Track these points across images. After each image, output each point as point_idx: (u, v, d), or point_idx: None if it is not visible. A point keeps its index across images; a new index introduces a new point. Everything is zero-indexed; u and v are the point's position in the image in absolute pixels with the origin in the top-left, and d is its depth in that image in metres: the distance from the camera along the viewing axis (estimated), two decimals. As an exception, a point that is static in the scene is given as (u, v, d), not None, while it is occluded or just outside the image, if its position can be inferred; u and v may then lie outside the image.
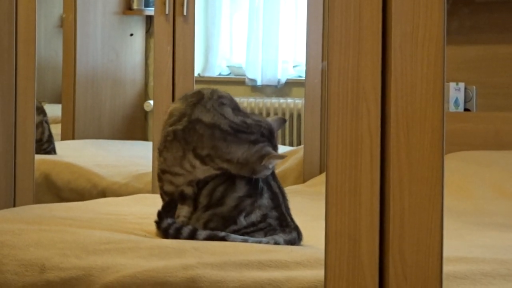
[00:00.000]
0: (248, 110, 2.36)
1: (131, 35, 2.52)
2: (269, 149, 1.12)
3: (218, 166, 1.12)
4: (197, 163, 1.13)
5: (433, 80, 0.63)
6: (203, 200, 1.13)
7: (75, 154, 2.21)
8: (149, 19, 2.46)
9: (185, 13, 1.83)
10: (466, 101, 2.08)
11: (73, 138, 2.35)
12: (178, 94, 1.79)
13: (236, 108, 1.17)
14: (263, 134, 1.14)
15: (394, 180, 0.60)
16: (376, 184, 0.60)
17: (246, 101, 2.45)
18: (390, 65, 0.61)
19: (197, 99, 1.17)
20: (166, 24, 1.82)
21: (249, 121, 1.14)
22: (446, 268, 0.80)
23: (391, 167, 0.60)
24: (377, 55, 0.61)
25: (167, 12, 1.83)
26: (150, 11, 2.33)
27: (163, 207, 1.17)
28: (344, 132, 0.62)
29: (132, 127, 2.53)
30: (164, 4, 1.84)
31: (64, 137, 2.35)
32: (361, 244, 0.60)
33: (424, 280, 0.61)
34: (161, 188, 1.20)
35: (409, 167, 0.61)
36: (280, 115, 2.39)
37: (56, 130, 2.31)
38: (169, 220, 1.12)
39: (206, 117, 1.13)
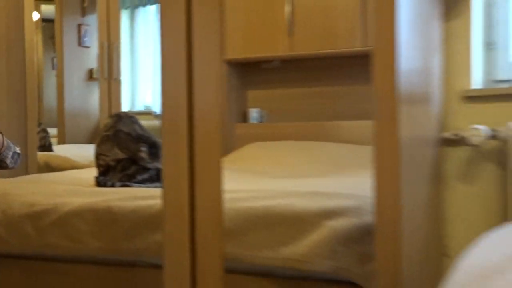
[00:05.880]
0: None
1: None
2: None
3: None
4: (117, 150, 2.23)
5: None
6: (120, 167, 2.23)
7: None
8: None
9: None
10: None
11: None
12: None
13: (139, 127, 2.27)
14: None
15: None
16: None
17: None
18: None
19: (118, 118, 2.27)
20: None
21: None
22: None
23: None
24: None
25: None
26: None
27: (101, 172, 2.28)
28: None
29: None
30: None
31: None
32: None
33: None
34: (97, 163, 2.30)
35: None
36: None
37: None
38: (101, 178, 2.21)
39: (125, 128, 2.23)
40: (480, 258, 1.28)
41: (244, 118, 3.50)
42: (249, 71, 3.50)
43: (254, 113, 3.45)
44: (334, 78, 3.29)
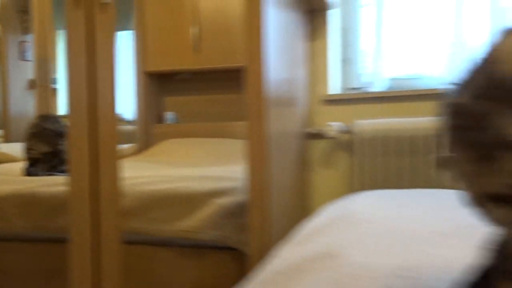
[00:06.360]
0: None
1: None
2: None
3: None
4: (42, 145, 2.23)
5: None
6: (45, 159, 2.23)
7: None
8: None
9: None
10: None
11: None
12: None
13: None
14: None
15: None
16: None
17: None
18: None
19: (43, 118, 2.27)
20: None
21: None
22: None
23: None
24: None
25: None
26: None
27: (30, 164, 2.26)
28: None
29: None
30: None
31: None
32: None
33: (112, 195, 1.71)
34: (27, 156, 2.29)
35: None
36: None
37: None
38: (30, 169, 2.20)
39: (48, 126, 2.24)
40: (316, 221, 1.40)
41: (161, 119, 3.56)
42: (165, 81, 3.58)
43: (169, 116, 3.53)
44: (233, 87, 3.41)
